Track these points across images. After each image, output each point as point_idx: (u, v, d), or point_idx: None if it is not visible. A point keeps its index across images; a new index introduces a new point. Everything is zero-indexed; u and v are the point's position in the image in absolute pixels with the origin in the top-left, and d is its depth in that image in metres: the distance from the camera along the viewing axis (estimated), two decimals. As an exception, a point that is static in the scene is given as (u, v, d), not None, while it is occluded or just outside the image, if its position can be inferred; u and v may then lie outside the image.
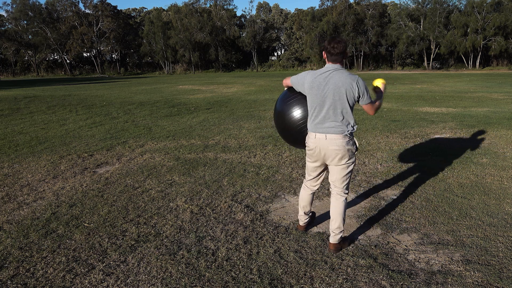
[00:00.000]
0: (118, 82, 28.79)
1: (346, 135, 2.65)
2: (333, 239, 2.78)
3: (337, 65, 2.68)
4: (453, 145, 5.93)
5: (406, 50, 46.07)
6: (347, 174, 2.75)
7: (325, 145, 2.66)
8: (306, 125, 2.88)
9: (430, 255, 2.73)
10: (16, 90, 19.74)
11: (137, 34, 55.51)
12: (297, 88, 2.87)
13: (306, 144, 2.84)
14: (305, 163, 3.02)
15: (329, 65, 2.69)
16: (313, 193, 3.04)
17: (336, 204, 2.78)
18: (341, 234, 2.78)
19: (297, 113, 2.93)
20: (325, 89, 2.63)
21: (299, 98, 2.94)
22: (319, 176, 2.95)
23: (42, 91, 18.04)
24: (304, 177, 3.08)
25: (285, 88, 3.15)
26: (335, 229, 2.77)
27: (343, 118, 2.64)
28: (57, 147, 6.39)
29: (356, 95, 2.62)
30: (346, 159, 2.69)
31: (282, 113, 3.03)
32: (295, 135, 2.98)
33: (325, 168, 2.89)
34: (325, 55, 2.71)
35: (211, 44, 52.85)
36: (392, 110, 10.04)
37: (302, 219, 3.11)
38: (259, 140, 6.56)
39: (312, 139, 2.73)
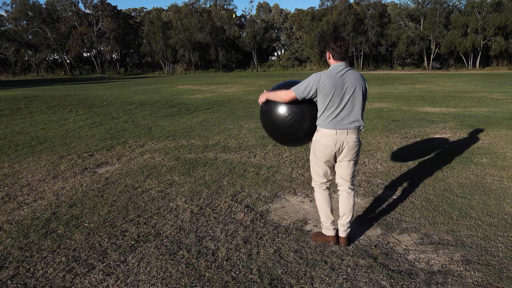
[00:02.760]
0: (118, 82, 28.79)
1: (361, 130, 2.80)
2: (345, 233, 2.87)
3: (345, 63, 2.74)
4: (453, 145, 5.93)
5: (406, 50, 46.03)
6: (355, 167, 2.90)
7: (346, 140, 2.73)
8: (299, 123, 2.86)
9: (430, 255, 2.73)
10: (16, 90, 19.74)
11: (137, 34, 55.48)
12: (306, 95, 2.77)
13: (319, 144, 2.78)
14: (312, 166, 2.93)
15: (339, 64, 2.73)
16: None
17: (349, 200, 2.86)
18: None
19: (284, 110, 2.91)
20: (344, 87, 2.70)
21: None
22: (332, 172, 2.94)
23: (42, 91, 18.04)
24: (315, 184, 2.96)
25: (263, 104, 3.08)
26: (347, 223, 2.86)
27: (360, 114, 2.76)
28: (57, 147, 6.39)
29: (365, 92, 2.79)
30: (358, 153, 2.83)
31: (275, 116, 2.98)
32: (291, 133, 2.94)
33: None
34: (329, 54, 2.74)
35: (211, 44, 52.83)
36: (392, 110, 10.04)
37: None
38: (259, 140, 6.56)
39: (333, 136, 2.72)
